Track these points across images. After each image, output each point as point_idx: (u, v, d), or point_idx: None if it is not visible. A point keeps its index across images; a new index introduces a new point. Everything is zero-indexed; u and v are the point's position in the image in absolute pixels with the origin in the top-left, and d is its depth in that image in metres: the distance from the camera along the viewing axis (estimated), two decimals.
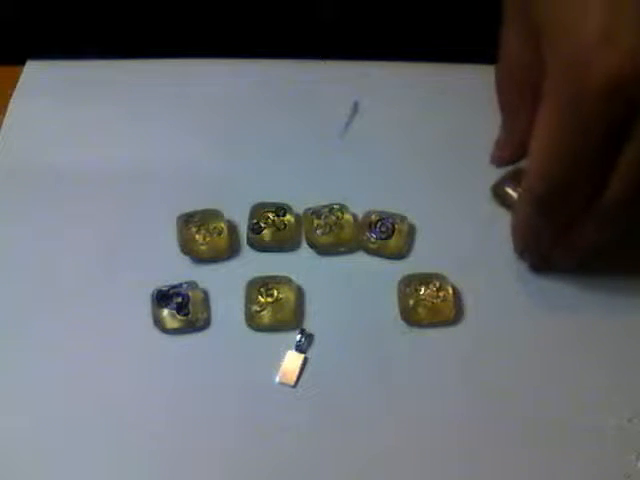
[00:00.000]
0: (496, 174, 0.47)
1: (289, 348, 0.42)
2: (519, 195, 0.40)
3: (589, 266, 0.45)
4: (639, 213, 0.38)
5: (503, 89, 0.40)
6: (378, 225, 0.45)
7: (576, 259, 0.43)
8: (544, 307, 0.44)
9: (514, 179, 0.47)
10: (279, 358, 0.42)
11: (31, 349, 0.42)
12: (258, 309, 0.43)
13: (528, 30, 0.37)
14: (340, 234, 0.45)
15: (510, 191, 0.47)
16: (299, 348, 0.42)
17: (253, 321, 0.43)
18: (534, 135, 0.36)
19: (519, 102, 0.39)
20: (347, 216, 0.45)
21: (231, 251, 0.45)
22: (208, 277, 0.44)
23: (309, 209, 0.46)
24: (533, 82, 0.36)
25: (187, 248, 0.45)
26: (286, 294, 0.43)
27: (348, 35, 0.58)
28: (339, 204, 0.46)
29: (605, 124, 0.34)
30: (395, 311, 0.43)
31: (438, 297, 0.43)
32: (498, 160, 0.43)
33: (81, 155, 0.49)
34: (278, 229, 0.45)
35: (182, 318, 0.42)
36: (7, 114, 0.51)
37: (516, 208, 0.42)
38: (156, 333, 0.43)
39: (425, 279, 0.43)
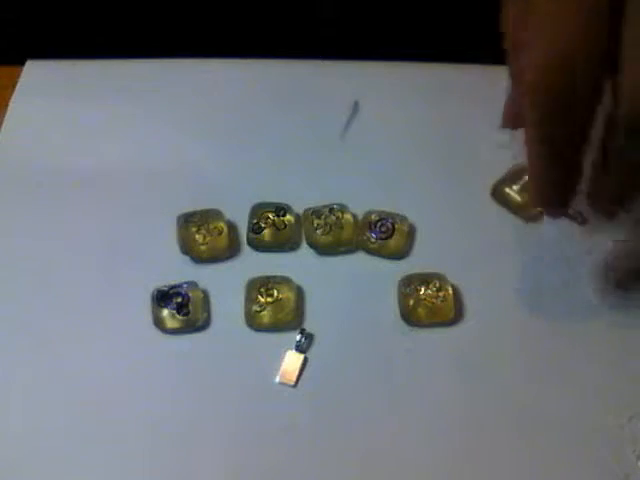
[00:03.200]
0: (496, 174, 0.47)
1: (289, 348, 0.42)
2: (526, 139, 0.38)
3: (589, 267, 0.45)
4: None
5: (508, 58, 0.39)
6: (378, 225, 0.45)
7: (616, 207, 0.39)
8: (544, 307, 0.44)
9: (514, 179, 0.47)
10: (279, 358, 0.42)
11: (31, 348, 0.42)
12: (258, 309, 0.43)
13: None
14: (340, 234, 0.45)
15: (510, 191, 0.47)
16: (299, 348, 0.42)
17: (253, 321, 0.43)
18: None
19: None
20: (347, 216, 0.45)
21: (231, 251, 0.45)
22: (208, 277, 0.44)
23: (309, 209, 0.46)
24: None
25: (187, 248, 0.45)
26: (286, 294, 0.43)
27: (348, 34, 0.58)
28: (339, 204, 0.46)
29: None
30: (395, 311, 0.43)
31: (438, 297, 0.43)
32: (506, 122, 0.41)
33: (81, 155, 0.49)
34: (278, 229, 0.45)
35: (182, 318, 0.42)
36: (7, 114, 0.51)
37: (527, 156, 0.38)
38: (156, 333, 0.43)
39: (425, 279, 0.43)
